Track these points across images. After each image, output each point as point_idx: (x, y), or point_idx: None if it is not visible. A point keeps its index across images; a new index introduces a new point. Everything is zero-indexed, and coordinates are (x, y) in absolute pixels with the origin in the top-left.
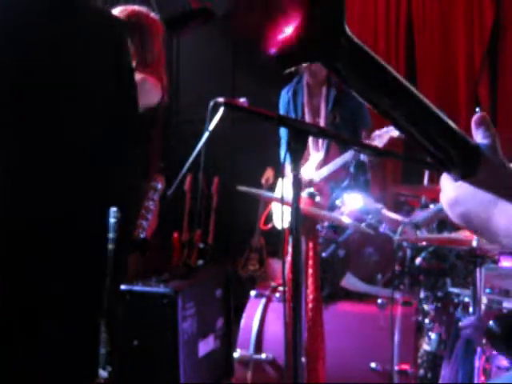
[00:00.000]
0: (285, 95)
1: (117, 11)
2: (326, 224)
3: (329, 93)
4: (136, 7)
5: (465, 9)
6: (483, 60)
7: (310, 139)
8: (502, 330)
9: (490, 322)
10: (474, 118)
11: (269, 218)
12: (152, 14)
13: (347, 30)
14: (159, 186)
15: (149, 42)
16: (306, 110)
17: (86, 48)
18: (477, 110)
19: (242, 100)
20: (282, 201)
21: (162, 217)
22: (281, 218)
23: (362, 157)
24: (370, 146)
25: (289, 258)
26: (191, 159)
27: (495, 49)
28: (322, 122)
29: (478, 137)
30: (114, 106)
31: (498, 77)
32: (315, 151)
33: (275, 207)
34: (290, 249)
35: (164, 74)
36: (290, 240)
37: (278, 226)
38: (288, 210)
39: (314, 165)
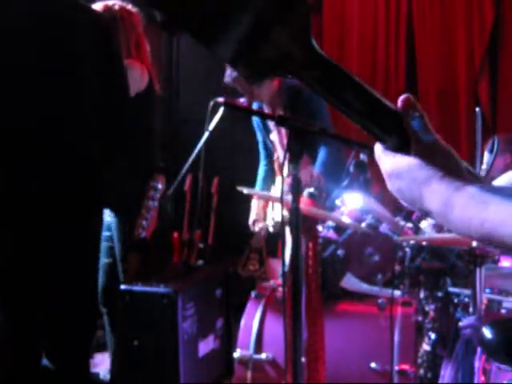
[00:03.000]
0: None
1: (96, 6)
2: (326, 224)
3: (284, 111)
4: (110, 2)
5: (465, 9)
6: (483, 60)
7: (281, 153)
8: (497, 337)
9: (484, 329)
10: (399, 101)
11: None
12: (128, 7)
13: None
14: (159, 185)
15: (126, 33)
16: (272, 127)
17: (75, 40)
18: (477, 109)
19: (242, 100)
20: (281, 201)
21: (161, 217)
22: (275, 218)
23: (362, 156)
24: (370, 146)
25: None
26: (191, 159)
27: (495, 49)
28: (285, 140)
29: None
30: (104, 96)
31: (497, 77)
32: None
33: (269, 209)
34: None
35: (149, 62)
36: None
37: (271, 229)
38: (278, 209)
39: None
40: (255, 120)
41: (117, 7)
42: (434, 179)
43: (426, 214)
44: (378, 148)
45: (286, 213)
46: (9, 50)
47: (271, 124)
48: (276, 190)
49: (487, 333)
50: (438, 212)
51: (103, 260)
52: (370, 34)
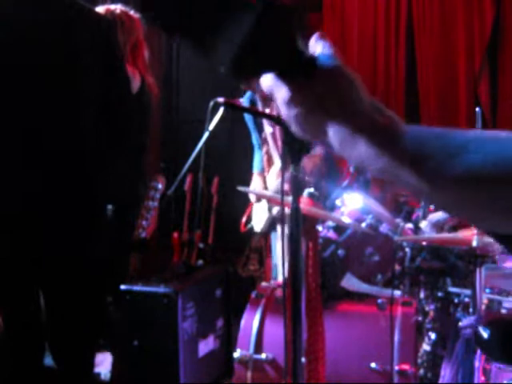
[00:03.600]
0: (245, 104)
1: (98, 9)
2: (326, 224)
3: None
4: (112, 6)
5: (465, 9)
6: (483, 60)
7: (272, 146)
8: (492, 335)
9: (480, 328)
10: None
11: (249, 220)
12: (130, 12)
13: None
14: (159, 185)
15: (125, 38)
16: (264, 120)
17: (76, 42)
18: (477, 109)
19: (242, 100)
20: (282, 200)
21: (161, 217)
22: (262, 217)
23: None
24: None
25: (274, 260)
26: (191, 159)
27: (495, 48)
28: (277, 132)
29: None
30: (106, 98)
31: (497, 76)
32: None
33: (255, 209)
34: (273, 249)
35: (145, 67)
36: (273, 241)
37: (257, 229)
38: (263, 210)
39: (274, 174)
40: (247, 100)
41: (118, 11)
42: (339, 113)
43: (328, 145)
44: (269, 75)
45: (275, 211)
46: (8, 49)
47: (264, 120)
48: (268, 186)
49: (483, 332)
50: (341, 147)
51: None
52: (370, 34)
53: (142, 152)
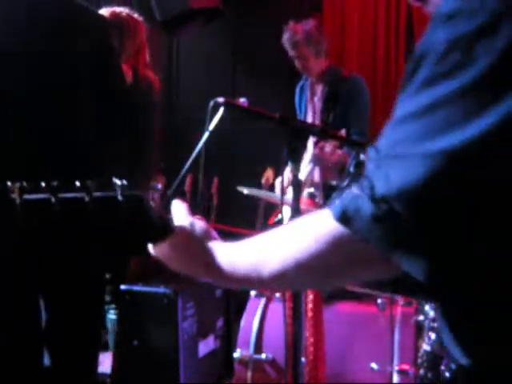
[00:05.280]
0: (297, 92)
1: (103, 12)
2: None
3: (323, 92)
4: (118, 9)
5: None
6: None
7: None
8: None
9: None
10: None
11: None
12: (135, 15)
13: None
14: (159, 186)
15: (127, 40)
16: (308, 108)
17: (70, 40)
18: None
19: (242, 100)
20: (281, 201)
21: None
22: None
23: (362, 156)
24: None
25: None
26: (191, 159)
27: None
28: (317, 122)
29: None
30: (100, 95)
31: None
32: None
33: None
34: None
35: (146, 69)
36: None
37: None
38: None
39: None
40: (298, 87)
41: (124, 14)
42: (198, 265)
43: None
44: (151, 248)
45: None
46: (8, 48)
47: (307, 92)
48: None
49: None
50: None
51: None
52: (370, 34)
53: (145, 152)
